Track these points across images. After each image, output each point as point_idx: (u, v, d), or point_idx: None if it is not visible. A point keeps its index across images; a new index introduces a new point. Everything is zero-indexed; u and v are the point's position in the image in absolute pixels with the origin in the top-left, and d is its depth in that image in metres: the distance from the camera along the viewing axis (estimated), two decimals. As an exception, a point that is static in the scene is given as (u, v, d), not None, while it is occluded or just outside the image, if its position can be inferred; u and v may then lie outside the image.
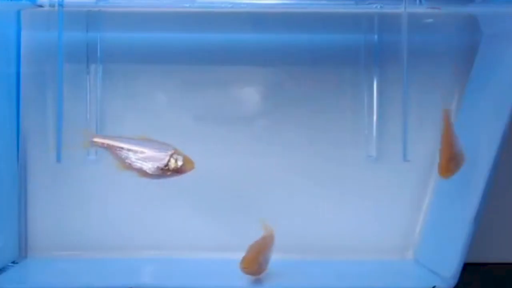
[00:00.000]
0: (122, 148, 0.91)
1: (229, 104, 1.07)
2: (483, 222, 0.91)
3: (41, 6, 0.93)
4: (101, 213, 1.06)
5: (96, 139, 0.92)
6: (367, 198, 1.07)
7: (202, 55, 1.06)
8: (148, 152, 0.90)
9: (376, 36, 1.05)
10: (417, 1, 0.93)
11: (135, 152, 0.90)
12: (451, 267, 0.93)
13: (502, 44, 0.92)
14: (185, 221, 1.06)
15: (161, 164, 0.90)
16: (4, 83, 1.00)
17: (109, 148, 0.91)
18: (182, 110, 1.06)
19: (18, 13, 1.02)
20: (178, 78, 1.06)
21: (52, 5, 0.92)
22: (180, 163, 0.90)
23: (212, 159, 1.05)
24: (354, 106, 1.06)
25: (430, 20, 1.05)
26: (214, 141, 1.05)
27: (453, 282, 0.93)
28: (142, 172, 0.91)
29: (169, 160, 0.90)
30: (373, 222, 1.07)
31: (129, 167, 0.90)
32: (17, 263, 1.02)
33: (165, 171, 0.90)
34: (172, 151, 0.90)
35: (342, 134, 1.07)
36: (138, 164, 0.90)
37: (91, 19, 1.03)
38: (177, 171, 0.91)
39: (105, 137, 0.92)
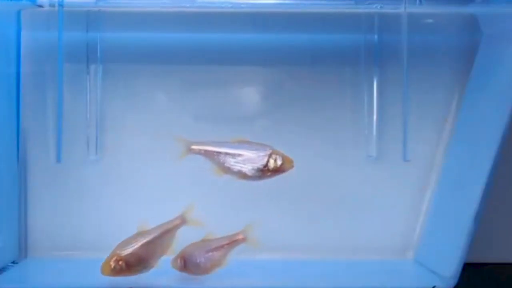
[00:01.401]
0: (220, 152, 0.90)
1: (229, 104, 1.07)
2: (483, 222, 0.91)
3: (41, 6, 0.93)
4: (101, 213, 1.06)
5: (194, 147, 0.91)
6: (367, 198, 1.07)
7: (202, 55, 1.06)
8: (246, 154, 0.90)
9: (376, 36, 1.05)
10: (417, 1, 0.93)
11: (233, 155, 0.90)
12: (451, 267, 0.93)
13: (502, 44, 0.92)
14: (185, 221, 1.06)
15: (260, 165, 0.90)
16: (4, 83, 1.00)
17: (206, 154, 0.91)
18: (182, 110, 1.06)
19: (18, 13, 1.01)
20: (178, 78, 1.06)
21: (52, 5, 0.92)
22: (279, 162, 0.90)
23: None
24: (354, 106, 1.06)
25: (430, 20, 1.05)
26: (214, 141, 1.06)
27: (453, 282, 0.93)
28: (241, 175, 0.91)
29: (268, 161, 0.90)
30: (373, 222, 1.07)
31: (228, 171, 0.91)
32: (17, 263, 1.02)
33: (265, 172, 0.90)
34: (270, 151, 0.90)
35: (342, 134, 1.07)
36: (237, 167, 0.90)
37: (91, 19, 1.03)
38: (277, 170, 0.90)
39: (202, 143, 0.91)
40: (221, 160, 0.90)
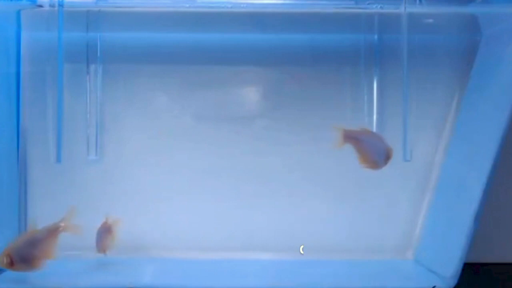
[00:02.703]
0: (367, 141, 0.90)
1: (229, 104, 1.07)
2: (483, 222, 0.91)
3: (41, 6, 0.93)
4: (102, 213, 1.06)
5: (348, 135, 0.90)
6: (367, 198, 1.07)
7: (202, 55, 1.06)
8: (378, 144, 0.91)
9: (376, 36, 1.05)
10: (417, 1, 0.93)
11: (371, 144, 0.90)
12: (451, 267, 0.93)
13: (502, 44, 0.92)
14: (185, 221, 1.06)
15: (385, 155, 0.90)
16: (4, 83, 1.01)
17: (355, 143, 0.91)
18: (182, 110, 1.06)
19: (18, 13, 1.02)
20: (178, 78, 1.06)
21: (52, 5, 0.92)
22: (391, 153, 0.91)
23: (212, 159, 1.05)
24: (354, 106, 1.06)
25: (430, 20, 1.05)
26: (214, 141, 1.06)
27: (453, 282, 0.93)
28: (374, 165, 0.91)
29: (388, 151, 0.91)
30: (373, 222, 1.07)
31: (366, 161, 0.91)
32: (17, 263, 1.02)
33: (386, 162, 0.91)
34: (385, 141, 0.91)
35: (342, 134, 1.07)
36: (374, 157, 0.90)
37: (91, 19, 1.03)
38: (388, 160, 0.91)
39: (355, 132, 0.91)
40: (365, 150, 0.90)
